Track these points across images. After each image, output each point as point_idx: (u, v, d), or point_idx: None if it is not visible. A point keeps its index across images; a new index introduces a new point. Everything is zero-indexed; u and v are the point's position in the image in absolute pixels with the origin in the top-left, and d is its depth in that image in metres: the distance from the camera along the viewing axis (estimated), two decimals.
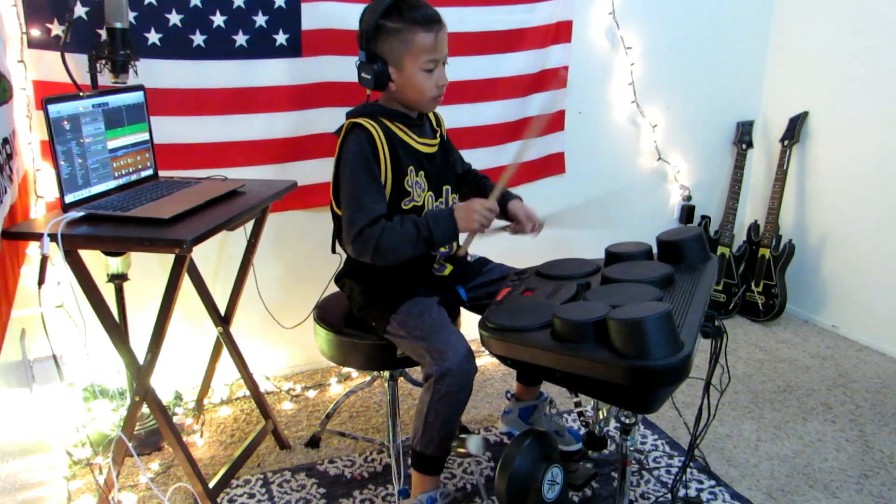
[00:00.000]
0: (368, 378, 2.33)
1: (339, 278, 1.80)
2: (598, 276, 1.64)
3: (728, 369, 1.57)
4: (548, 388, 2.04)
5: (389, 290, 1.66)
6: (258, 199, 1.73)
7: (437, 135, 1.77)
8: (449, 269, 1.76)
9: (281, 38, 2.12)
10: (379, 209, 1.59)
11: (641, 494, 1.87)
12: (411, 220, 1.59)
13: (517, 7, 2.45)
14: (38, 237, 1.41)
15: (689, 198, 3.04)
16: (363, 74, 1.62)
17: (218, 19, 2.04)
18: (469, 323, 1.73)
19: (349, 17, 2.18)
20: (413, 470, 1.63)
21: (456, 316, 1.78)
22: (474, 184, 1.91)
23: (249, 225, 1.91)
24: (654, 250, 1.73)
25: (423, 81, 1.61)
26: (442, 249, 1.73)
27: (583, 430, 1.96)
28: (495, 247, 2.06)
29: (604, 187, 2.86)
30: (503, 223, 1.77)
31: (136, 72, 1.84)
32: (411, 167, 1.65)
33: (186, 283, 1.79)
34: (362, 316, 1.71)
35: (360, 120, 1.61)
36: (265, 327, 2.31)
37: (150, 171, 1.85)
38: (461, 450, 1.68)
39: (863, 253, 2.76)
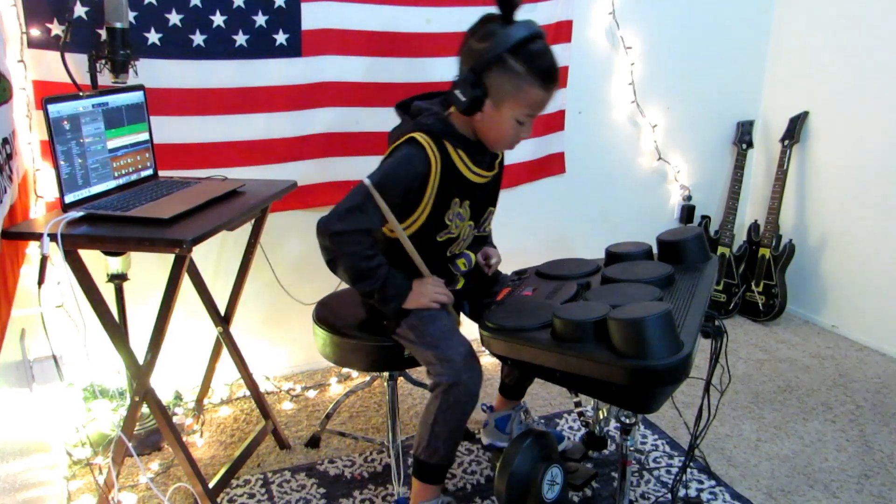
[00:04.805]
0: (368, 378, 2.33)
1: None
2: (598, 276, 1.64)
3: (728, 369, 1.57)
4: (548, 388, 2.05)
5: None
6: (258, 199, 1.72)
7: (495, 163, 1.70)
8: (461, 282, 1.75)
9: (281, 38, 2.12)
10: (374, 225, 1.55)
11: (641, 494, 1.87)
12: (379, 263, 1.54)
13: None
14: (38, 237, 1.41)
15: (689, 198, 3.04)
16: (458, 93, 1.51)
17: (218, 19, 2.04)
18: (469, 322, 1.74)
19: (349, 17, 2.18)
20: (414, 478, 1.61)
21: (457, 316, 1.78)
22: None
23: (249, 225, 1.91)
24: (654, 250, 1.73)
25: (510, 129, 1.54)
26: (462, 267, 1.71)
27: (583, 430, 1.96)
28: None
29: (604, 187, 2.87)
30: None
31: (135, 72, 1.85)
32: (456, 199, 1.59)
33: (186, 282, 1.79)
34: (373, 316, 1.69)
35: (423, 141, 1.53)
36: (265, 327, 2.30)
37: (149, 171, 1.84)
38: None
39: (863, 253, 2.76)
